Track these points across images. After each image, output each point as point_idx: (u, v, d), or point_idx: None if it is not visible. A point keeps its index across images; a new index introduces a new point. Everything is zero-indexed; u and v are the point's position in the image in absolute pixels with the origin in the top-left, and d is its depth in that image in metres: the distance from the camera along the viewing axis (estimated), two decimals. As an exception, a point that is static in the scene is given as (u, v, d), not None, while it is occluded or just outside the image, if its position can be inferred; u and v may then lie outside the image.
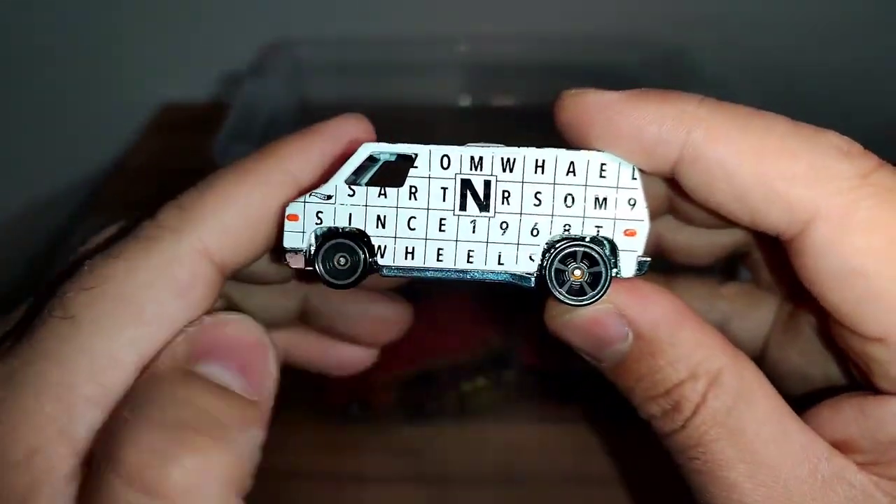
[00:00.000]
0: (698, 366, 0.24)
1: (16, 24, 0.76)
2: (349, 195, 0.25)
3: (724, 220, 0.26)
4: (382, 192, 0.25)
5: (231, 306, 0.31)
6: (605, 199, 0.24)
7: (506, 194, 0.24)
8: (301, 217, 0.25)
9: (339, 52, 0.69)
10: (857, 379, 0.26)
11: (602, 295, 0.24)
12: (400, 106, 0.66)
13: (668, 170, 0.24)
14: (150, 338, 0.23)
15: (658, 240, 0.31)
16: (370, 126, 0.28)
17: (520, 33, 0.72)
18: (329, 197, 0.25)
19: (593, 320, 0.25)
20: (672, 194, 0.29)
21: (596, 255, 0.24)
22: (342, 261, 0.25)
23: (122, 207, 0.63)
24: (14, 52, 0.77)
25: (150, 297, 0.23)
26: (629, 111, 0.24)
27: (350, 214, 0.25)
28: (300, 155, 0.27)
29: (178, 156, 0.69)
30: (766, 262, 0.31)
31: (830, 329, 0.25)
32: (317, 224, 0.25)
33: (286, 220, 0.25)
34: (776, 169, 0.22)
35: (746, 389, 0.24)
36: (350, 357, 0.35)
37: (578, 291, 0.24)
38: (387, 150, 0.25)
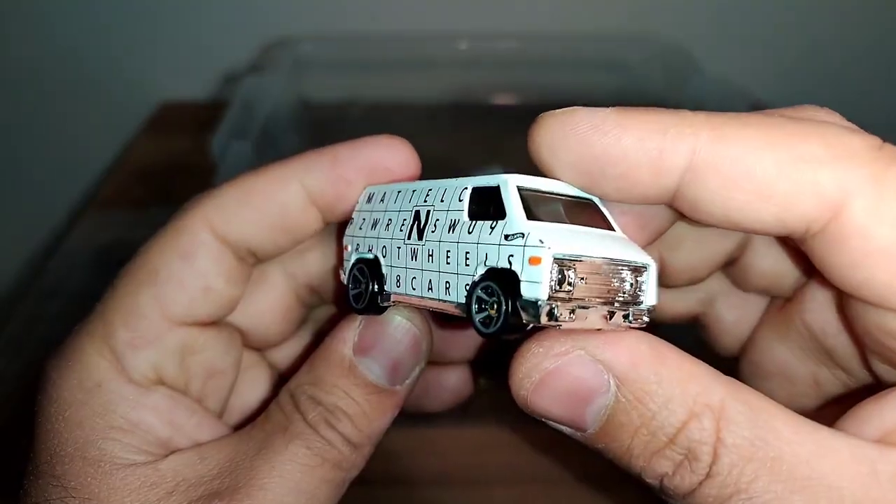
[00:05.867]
0: (696, 402, 0.21)
1: (15, 23, 0.76)
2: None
3: (730, 229, 0.23)
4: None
5: None
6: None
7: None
8: (348, 248, 0.28)
9: (338, 50, 0.68)
10: (875, 371, 0.25)
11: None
12: (399, 104, 0.66)
13: (670, 184, 0.22)
14: (166, 294, 0.27)
15: (659, 264, 0.29)
16: (406, 151, 0.29)
17: (520, 32, 0.72)
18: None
19: (568, 374, 0.22)
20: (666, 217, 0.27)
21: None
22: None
23: (121, 206, 0.63)
24: (14, 52, 0.77)
25: (161, 262, 0.28)
26: (628, 125, 0.22)
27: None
28: (317, 174, 0.28)
29: (178, 154, 0.69)
30: (764, 255, 0.29)
31: (858, 319, 0.24)
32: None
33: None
34: (797, 155, 0.21)
35: (760, 414, 0.21)
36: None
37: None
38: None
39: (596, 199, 0.24)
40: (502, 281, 0.21)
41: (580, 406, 0.22)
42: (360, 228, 0.28)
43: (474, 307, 0.22)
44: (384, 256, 0.27)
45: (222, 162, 0.50)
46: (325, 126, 0.64)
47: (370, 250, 0.27)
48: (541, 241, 0.21)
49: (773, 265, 0.29)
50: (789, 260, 0.29)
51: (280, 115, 0.59)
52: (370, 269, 0.27)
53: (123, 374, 0.27)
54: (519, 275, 0.21)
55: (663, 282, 0.29)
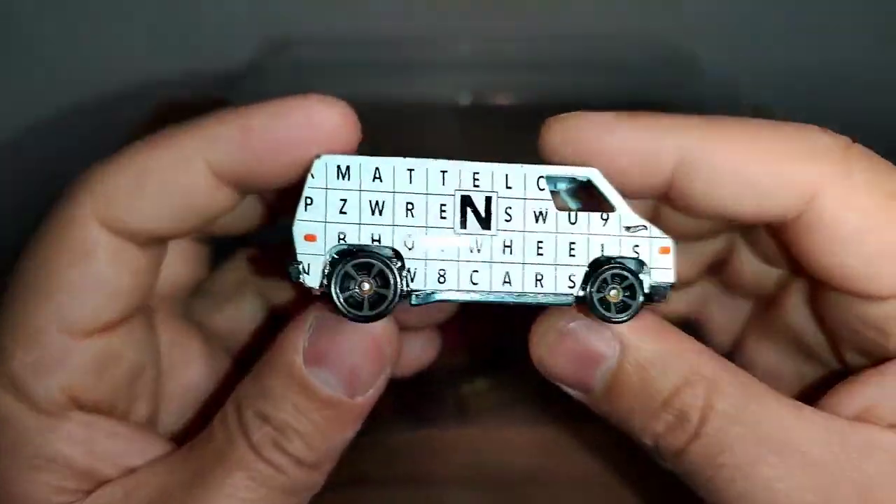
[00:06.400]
0: (691, 372, 0.24)
1: (15, 23, 0.76)
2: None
3: (714, 223, 0.27)
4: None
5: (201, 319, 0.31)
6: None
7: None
8: (318, 237, 0.23)
9: (339, 51, 0.68)
10: (848, 362, 0.27)
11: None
12: (399, 105, 0.66)
13: (662, 182, 0.25)
14: (65, 305, 0.24)
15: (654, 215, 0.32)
16: (342, 114, 0.24)
17: (521, 32, 0.72)
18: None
19: (580, 337, 0.25)
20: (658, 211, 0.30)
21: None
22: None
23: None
24: (13, 52, 0.77)
25: (53, 269, 0.24)
26: (623, 127, 0.25)
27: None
28: (223, 149, 0.24)
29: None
30: (749, 259, 0.32)
31: (832, 311, 0.26)
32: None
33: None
34: (777, 152, 0.24)
35: (749, 388, 0.24)
36: None
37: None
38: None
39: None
40: (620, 268, 0.24)
41: (589, 368, 0.25)
42: (344, 212, 0.23)
43: (596, 296, 0.24)
44: (409, 248, 0.23)
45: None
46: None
47: (376, 240, 0.23)
48: (662, 232, 0.25)
49: (756, 270, 0.31)
50: (770, 265, 0.31)
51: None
52: (382, 263, 0.23)
53: (30, 405, 0.24)
54: (647, 262, 0.25)
55: None
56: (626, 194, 0.25)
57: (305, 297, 0.25)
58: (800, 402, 0.24)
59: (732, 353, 0.34)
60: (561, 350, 0.25)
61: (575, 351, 0.25)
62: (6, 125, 0.81)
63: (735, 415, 0.23)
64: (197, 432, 0.29)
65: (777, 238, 0.27)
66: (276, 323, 0.32)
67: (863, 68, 0.76)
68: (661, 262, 0.25)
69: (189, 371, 0.29)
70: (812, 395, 0.26)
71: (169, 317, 0.29)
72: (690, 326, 0.35)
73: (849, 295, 0.25)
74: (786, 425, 0.23)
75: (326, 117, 0.24)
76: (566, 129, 0.25)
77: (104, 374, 0.25)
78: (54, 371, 0.24)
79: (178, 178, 0.24)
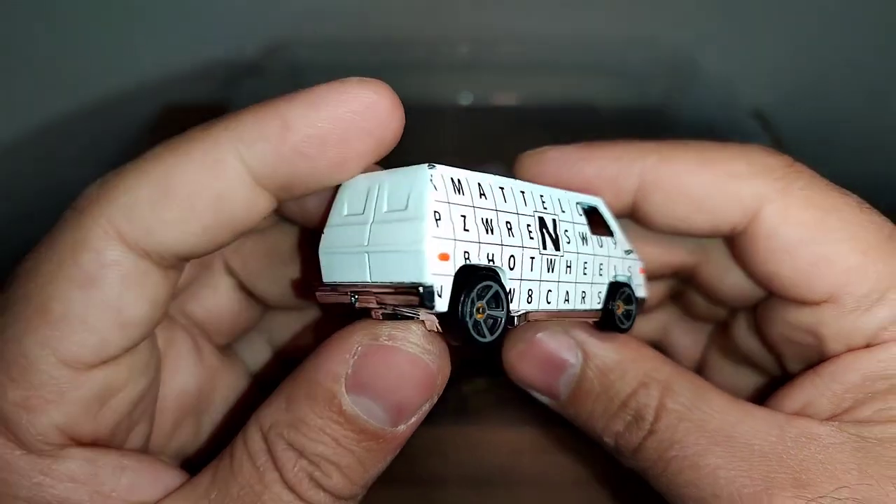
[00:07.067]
0: (646, 375, 0.26)
1: (15, 23, 0.76)
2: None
3: (675, 234, 0.29)
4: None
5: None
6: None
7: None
8: (452, 256, 0.20)
9: (339, 52, 0.69)
10: (791, 371, 0.30)
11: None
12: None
13: (628, 201, 0.28)
14: (63, 337, 0.20)
15: None
16: (391, 101, 0.21)
17: (520, 33, 0.72)
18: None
19: (546, 345, 0.27)
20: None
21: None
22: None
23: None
24: (13, 52, 0.77)
25: (51, 294, 0.20)
26: (590, 157, 0.28)
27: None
28: (262, 147, 0.21)
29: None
30: (712, 283, 0.33)
31: (772, 321, 0.29)
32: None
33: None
34: (723, 172, 0.26)
35: (698, 389, 0.26)
36: None
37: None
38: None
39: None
40: (624, 286, 0.28)
41: (554, 374, 0.27)
42: (468, 230, 0.20)
43: (616, 310, 0.27)
44: (511, 268, 0.21)
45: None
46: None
47: (490, 260, 0.21)
48: (638, 256, 0.29)
49: (706, 303, 0.34)
50: (714, 302, 0.34)
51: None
52: (499, 286, 0.21)
53: (20, 444, 0.21)
54: (631, 283, 0.28)
55: None
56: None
57: (346, 314, 0.22)
58: (745, 402, 0.26)
59: (696, 372, 0.35)
60: (529, 357, 0.27)
61: (542, 358, 0.27)
62: (8, 127, 0.81)
63: (685, 412, 0.25)
64: (192, 439, 0.28)
65: (731, 250, 0.30)
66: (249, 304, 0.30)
67: (862, 71, 0.76)
68: (640, 280, 0.29)
69: (181, 375, 0.27)
70: (763, 403, 0.28)
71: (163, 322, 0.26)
72: (657, 349, 0.36)
73: (786, 302, 0.27)
74: (731, 420, 0.25)
75: (374, 103, 0.20)
76: (537, 164, 0.28)
77: (105, 407, 0.22)
78: (48, 407, 0.21)
79: (210, 184, 0.21)
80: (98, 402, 0.22)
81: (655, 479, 0.26)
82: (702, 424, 0.25)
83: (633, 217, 0.29)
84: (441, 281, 0.19)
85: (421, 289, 0.19)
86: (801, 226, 0.26)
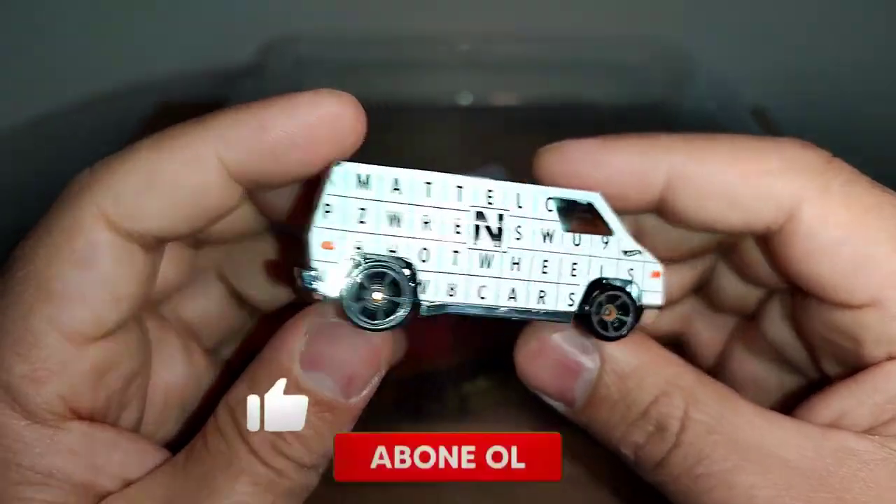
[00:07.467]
0: (668, 383, 0.24)
1: (14, 23, 0.76)
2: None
3: (697, 244, 0.28)
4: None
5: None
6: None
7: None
8: (335, 246, 0.22)
9: (339, 50, 0.69)
10: (826, 371, 0.28)
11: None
12: (399, 104, 0.66)
13: (652, 199, 0.26)
14: (66, 312, 0.23)
15: (639, 236, 0.32)
16: (355, 110, 0.24)
17: (520, 32, 0.72)
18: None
19: (560, 347, 0.26)
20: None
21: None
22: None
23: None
24: (13, 52, 0.77)
25: (54, 273, 0.23)
26: (614, 151, 0.26)
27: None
28: (239, 146, 0.23)
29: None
30: (729, 279, 0.32)
31: (810, 321, 0.27)
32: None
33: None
34: (759, 168, 0.25)
35: (725, 399, 0.24)
36: None
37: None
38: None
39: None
40: (616, 290, 0.25)
41: (570, 379, 0.26)
42: (363, 222, 0.23)
43: (595, 315, 0.25)
44: (424, 261, 0.23)
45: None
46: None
47: (392, 252, 0.23)
48: (654, 258, 0.26)
49: (736, 289, 0.32)
50: (749, 284, 0.32)
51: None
52: (395, 273, 0.23)
53: (26, 415, 0.22)
54: (640, 285, 0.26)
55: None
56: (619, 211, 0.26)
57: (305, 300, 0.24)
58: (774, 411, 0.24)
59: (717, 367, 0.34)
60: (543, 361, 0.26)
61: (557, 362, 0.26)
62: (7, 125, 0.81)
63: (712, 424, 0.23)
64: (181, 432, 0.29)
65: (763, 248, 0.28)
66: (243, 311, 0.32)
67: (862, 70, 0.76)
68: (651, 285, 0.26)
69: (170, 370, 0.29)
70: (792, 405, 0.27)
71: (150, 316, 0.28)
72: (677, 343, 0.36)
73: (825, 304, 0.26)
74: (761, 433, 0.23)
75: (341, 113, 0.23)
76: (559, 159, 0.26)
77: (102, 381, 0.24)
78: (53, 379, 0.23)
79: (190, 176, 0.23)
80: (96, 374, 0.24)
81: (679, 496, 0.24)
82: (732, 437, 0.23)
83: (660, 213, 0.27)
84: (323, 267, 0.22)
85: (303, 274, 0.22)
86: (842, 225, 0.24)
